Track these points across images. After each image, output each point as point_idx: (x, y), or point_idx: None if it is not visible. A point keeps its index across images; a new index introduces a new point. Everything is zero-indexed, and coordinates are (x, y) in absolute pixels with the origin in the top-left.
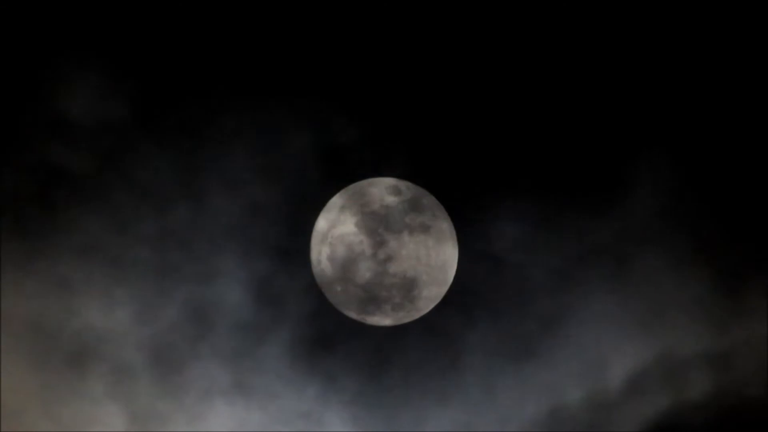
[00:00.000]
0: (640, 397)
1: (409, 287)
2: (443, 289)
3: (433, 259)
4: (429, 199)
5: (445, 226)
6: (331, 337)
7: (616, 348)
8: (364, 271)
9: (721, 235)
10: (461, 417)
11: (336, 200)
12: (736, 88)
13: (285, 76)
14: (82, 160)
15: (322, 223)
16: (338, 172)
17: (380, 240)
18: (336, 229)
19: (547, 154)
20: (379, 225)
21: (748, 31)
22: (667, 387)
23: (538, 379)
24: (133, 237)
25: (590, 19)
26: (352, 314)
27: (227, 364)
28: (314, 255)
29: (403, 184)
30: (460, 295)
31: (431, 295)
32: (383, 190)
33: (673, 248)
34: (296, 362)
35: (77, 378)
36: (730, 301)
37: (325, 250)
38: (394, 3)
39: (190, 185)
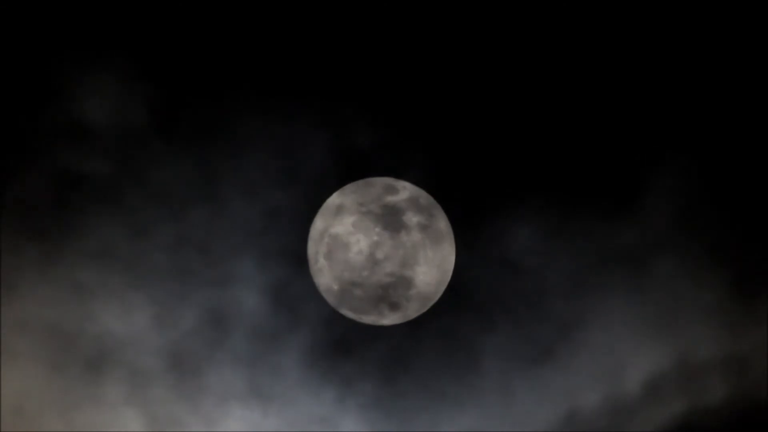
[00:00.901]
0: (657, 401)
1: (406, 286)
2: (440, 289)
3: (431, 258)
4: (426, 199)
5: (442, 225)
6: (348, 342)
7: (632, 352)
8: (361, 270)
9: (737, 240)
10: (477, 421)
11: (333, 199)
12: (753, 92)
13: (304, 79)
14: (100, 165)
15: (319, 222)
16: (357, 177)
17: (377, 239)
18: (333, 229)
19: (563, 160)
20: (376, 224)
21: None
22: (684, 391)
23: (554, 384)
24: (151, 241)
25: (606, 25)
26: (349, 313)
27: (244, 369)
28: (311, 254)
29: (401, 184)
30: (477, 299)
31: (428, 294)
32: (380, 190)
33: (689, 253)
34: (313, 367)
35: (95, 383)
36: (747, 306)
37: (322, 250)
38: (405, 8)
39: (208, 189)
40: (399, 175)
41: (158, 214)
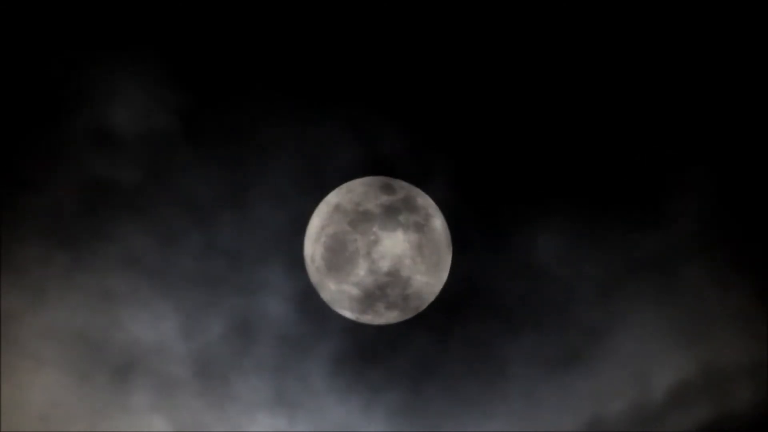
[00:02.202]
0: (683, 407)
1: (403, 286)
2: (437, 288)
3: (427, 257)
4: (423, 198)
5: (438, 224)
6: (375, 349)
7: (659, 359)
8: (358, 270)
9: (763, 247)
10: (504, 426)
11: (330, 199)
12: None
13: (332, 86)
14: (128, 172)
15: (315, 221)
16: None
17: (374, 239)
18: (330, 228)
19: (591, 169)
20: (373, 223)
21: None
22: (710, 397)
23: (581, 390)
24: (178, 249)
25: (634, 36)
26: (346, 313)
27: (271, 376)
28: (308, 254)
29: (397, 183)
30: (504, 306)
31: (425, 294)
32: (377, 189)
33: (715, 260)
34: (339, 374)
35: (122, 390)
36: None
37: (319, 249)
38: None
39: (236, 196)
40: (426, 183)
41: (186, 221)
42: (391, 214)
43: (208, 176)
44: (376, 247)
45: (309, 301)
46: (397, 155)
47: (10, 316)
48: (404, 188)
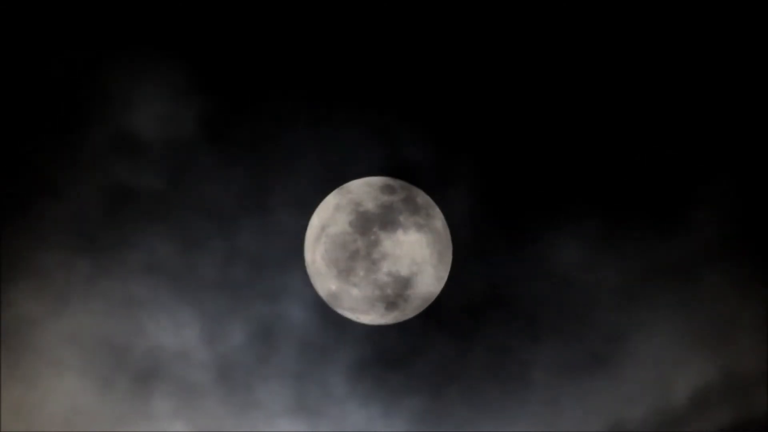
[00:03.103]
0: (704, 413)
1: (403, 286)
2: (438, 288)
3: (428, 258)
4: (423, 198)
5: (439, 225)
6: (396, 355)
7: (680, 364)
8: (358, 270)
9: None
10: None
11: (330, 199)
12: None
13: (355, 92)
14: (150, 178)
15: (315, 222)
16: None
17: (374, 239)
18: (330, 228)
19: (611, 173)
20: (373, 224)
21: None
22: (731, 403)
23: (602, 395)
24: (201, 255)
25: (657, 44)
26: (347, 313)
27: (293, 383)
28: (308, 254)
29: (398, 183)
30: (525, 312)
31: (426, 294)
32: (377, 189)
33: (737, 265)
34: (360, 379)
35: (144, 396)
36: None
37: (319, 249)
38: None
39: (258, 202)
40: (447, 189)
41: (208, 227)
42: (391, 214)
43: (230, 182)
44: (377, 247)
45: (330, 307)
46: (420, 161)
47: (32, 321)
48: (404, 188)
